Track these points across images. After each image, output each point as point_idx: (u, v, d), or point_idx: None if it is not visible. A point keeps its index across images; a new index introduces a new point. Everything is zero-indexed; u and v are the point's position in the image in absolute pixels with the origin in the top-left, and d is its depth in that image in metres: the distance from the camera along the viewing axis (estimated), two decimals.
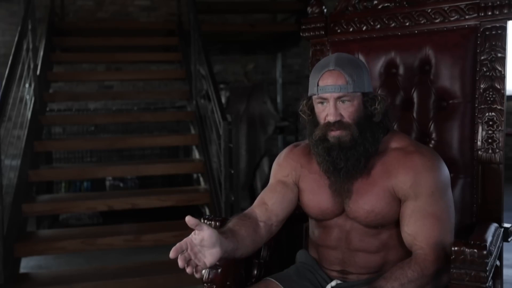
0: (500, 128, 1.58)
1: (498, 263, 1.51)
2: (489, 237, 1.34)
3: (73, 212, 5.05)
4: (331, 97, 1.40)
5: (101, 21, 6.53)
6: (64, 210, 4.21)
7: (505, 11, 1.57)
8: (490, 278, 1.24)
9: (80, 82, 6.38)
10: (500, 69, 1.58)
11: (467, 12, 1.64)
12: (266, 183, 1.62)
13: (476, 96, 1.61)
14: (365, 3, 1.83)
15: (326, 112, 1.41)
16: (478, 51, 1.62)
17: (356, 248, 1.46)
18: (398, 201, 1.41)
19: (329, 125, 1.41)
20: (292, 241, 1.78)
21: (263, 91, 5.91)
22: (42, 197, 4.28)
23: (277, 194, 1.53)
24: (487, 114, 1.59)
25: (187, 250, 1.22)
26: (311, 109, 1.48)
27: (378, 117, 1.43)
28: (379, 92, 1.73)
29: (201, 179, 4.39)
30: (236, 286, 1.51)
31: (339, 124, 1.40)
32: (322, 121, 1.43)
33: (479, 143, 1.60)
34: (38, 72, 4.39)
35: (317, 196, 1.49)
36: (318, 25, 1.88)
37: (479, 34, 1.62)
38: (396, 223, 1.43)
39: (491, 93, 1.59)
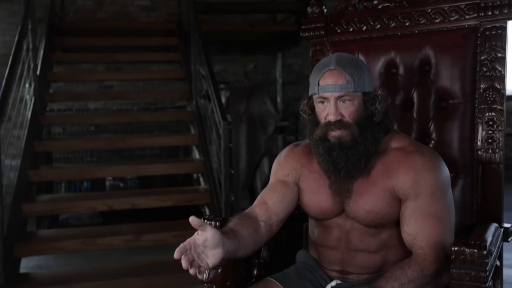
0: (500, 128, 1.58)
1: (498, 263, 1.51)
2: (489, 237, 1.34)
3: (73, 212, 5.05)
4: (331, 96, 1.40)
5: (101, 21, 6.53)
6: (64, 210, 4.21)
7: (505, 11, 1.57)
8: (490, 278, 1.24)
9: (80, 82, 6.38)
10: (500, 69, 1.58)
11: (467, 12, 1.64)
12: (266, 183, 1.62)
13: (476, 96, 1.61)
14: (365, 3, 1.83)
15: (326, 112, 1.42)
16: (478, 51, 1.62)
17: (356, 248, 1.46)
18: (398, 201, 1.41)
19: (330, 125, 1.41)
20: (292, 241, 1.78)
21: (263, 91, 5.91)
22: (42, 197, 4.28)
23: (278, 194, 1.53)
24: (487, 114, 1.59)
25: (190, 251, 1.22)
26: (312, 108, 1.48)
27: (378, 117, 1.43)
28: (379, 92, 1.73)
29: (201, 179, 4.39)
30: (236, 286, 1.50)
31: (339, 123, 1.40)
32: (322, 120, 1.43)
33: (479, 143, 1.60)
34: (38, 72, 4.39)
35: (317, 196, 1.49)
36: (318, 25, 1.88)
37: (479, 34, 1.62)
38: (396, 223, 1.43)
39: (491, 93, 1.59)
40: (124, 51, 5.57)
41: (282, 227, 1.54)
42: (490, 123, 1.59)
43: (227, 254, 1.27)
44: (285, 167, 1.56)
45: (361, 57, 1.78)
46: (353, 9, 1.85)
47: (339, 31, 1.86)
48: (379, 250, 1.45)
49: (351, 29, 1.84)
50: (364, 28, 1.82)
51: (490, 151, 1.59)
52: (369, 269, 1.46)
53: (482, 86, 1.60)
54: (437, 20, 1.69)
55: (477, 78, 1.61)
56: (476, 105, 1.61)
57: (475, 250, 1.18)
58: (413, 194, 1.38)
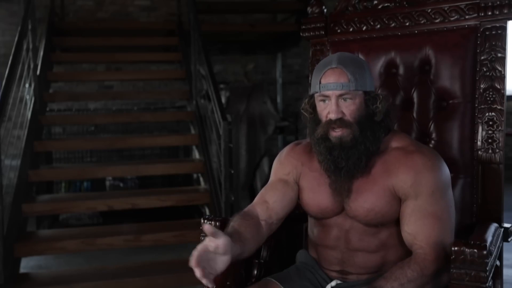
0: (500, 128, 1.58)
1: (498, 263, 1.51)
2: (489, 237, 1.34)
3: (73, 212, 5.05)
4: (333, 94, 1.40)
5: (101, 21, 6.53)
6: (64, 210, 4.21)
7: (505, 11, 1.57)
8: (490, 278, 1.24)
9: (80, 82, 6.38)
10: (500, 69, 1.58)
11: (467, 12, 1.64)
12: (266, 183, 1.62)
13: (476, 96, 1.61)
14: (365, 3, 1.83)
15: (327, 110, 1.42)
16: (478, 51, 1.62)
17: (355, 247, 1.46)
18: (398, 200, 1.41)
19: (331, 123, 1.41)
20: (292, 241, 1.78)
21: (263, 91, 5.91)
22: (42, 197, 4.28)
23: (278, 192, 1.53)
24: (487, 114, 1.59)
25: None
26: (313, 107, 1.48)
27: (379, 116, 1.43)
28: (379, 92, 1.73)
29: (201, 179, 4.39)
30: (236, 286, 1.51)
31: (340, 121, 1.40)
32: (323, 119, 1.43)
33: (479, 143, 1.60)
34: (38, 72, 4.39)
35: (317, 195, 1.49)
36: (318, 25, 1.88)
37: (479, 34, 1.62)
38: (395, 222, 1.43)
39: (491, 93, 1.59)
40: (124, 51, 5.57)
41: (282, 227, 1.55)
42: (490, 123, 1.59)
43: (232, 259, 1.28)
44: (286, 166, 1.56)
45: (361, 57, 1.78)
46: (353, 9, 1.85)
47: (339, 31, 1.87)
48: (378, 249, 1.45)
49: (351, 29, 1.84)
50: (364, 28, 1.82)
51: (490, 151, 1.59)
52: (369, 269, 1.46)
53: (482, 86, 1.60)
54: (437, 20, 1.69)
55: (477, 78, 1.61)
56: (476, 105, 1.61)
57: (475, 250, 1.18)
58: (413, 193, 1.38)
